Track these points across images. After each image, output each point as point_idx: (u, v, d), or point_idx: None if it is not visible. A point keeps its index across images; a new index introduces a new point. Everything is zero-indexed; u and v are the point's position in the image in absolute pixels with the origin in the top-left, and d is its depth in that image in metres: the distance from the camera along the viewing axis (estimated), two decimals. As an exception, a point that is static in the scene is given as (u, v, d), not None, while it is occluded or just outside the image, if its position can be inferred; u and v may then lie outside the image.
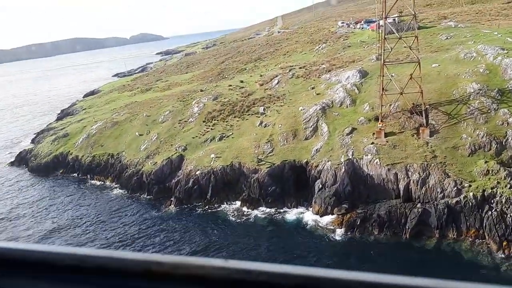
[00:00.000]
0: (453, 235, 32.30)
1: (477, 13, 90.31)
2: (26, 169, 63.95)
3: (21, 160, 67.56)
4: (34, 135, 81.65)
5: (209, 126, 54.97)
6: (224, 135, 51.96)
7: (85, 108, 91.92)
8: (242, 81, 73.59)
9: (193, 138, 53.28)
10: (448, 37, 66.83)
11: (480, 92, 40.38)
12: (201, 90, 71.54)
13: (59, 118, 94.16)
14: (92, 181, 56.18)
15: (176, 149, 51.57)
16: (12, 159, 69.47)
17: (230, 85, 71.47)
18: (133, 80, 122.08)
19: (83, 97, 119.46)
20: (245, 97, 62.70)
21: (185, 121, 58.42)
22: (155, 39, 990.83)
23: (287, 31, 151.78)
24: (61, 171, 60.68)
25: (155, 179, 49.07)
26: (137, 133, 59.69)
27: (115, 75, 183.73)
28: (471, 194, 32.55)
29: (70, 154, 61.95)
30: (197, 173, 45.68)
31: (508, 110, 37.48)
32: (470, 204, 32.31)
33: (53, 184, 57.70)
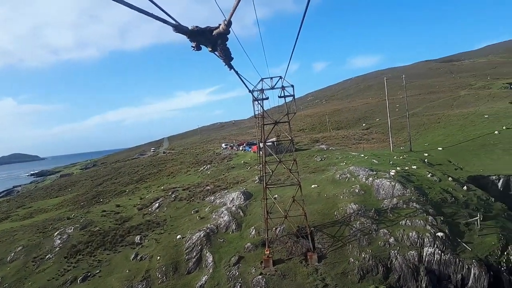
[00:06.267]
0: None
1: (343, 138, 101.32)
2: None
3: None
4: None
5: (72, 263, 45.49)
6: (89, 274, 42.95)
7: None
8: (118, 206, 66.40)
9: (49, 280, 42.91)
10: (322, 159, 71.44)
11: (360, 212, 40.90)
12: (68, 218, 61.93)
13: None
14: None
15: (23, 298, 40.49)
16: None
17: (104, 211, 63.57)
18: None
19: None
20: (119, 224, 55.31)
21: (41, 259, 47.83)
22: (30, 159, 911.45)
23: (173, 151, 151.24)
24: None
25: None
26: (-28, 279, 46.54)
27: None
28: (368, 327, 29.67)
29: None
30: (47, 330, 35.28)
31: (387, 230, 37.89)
32: None
33: None
